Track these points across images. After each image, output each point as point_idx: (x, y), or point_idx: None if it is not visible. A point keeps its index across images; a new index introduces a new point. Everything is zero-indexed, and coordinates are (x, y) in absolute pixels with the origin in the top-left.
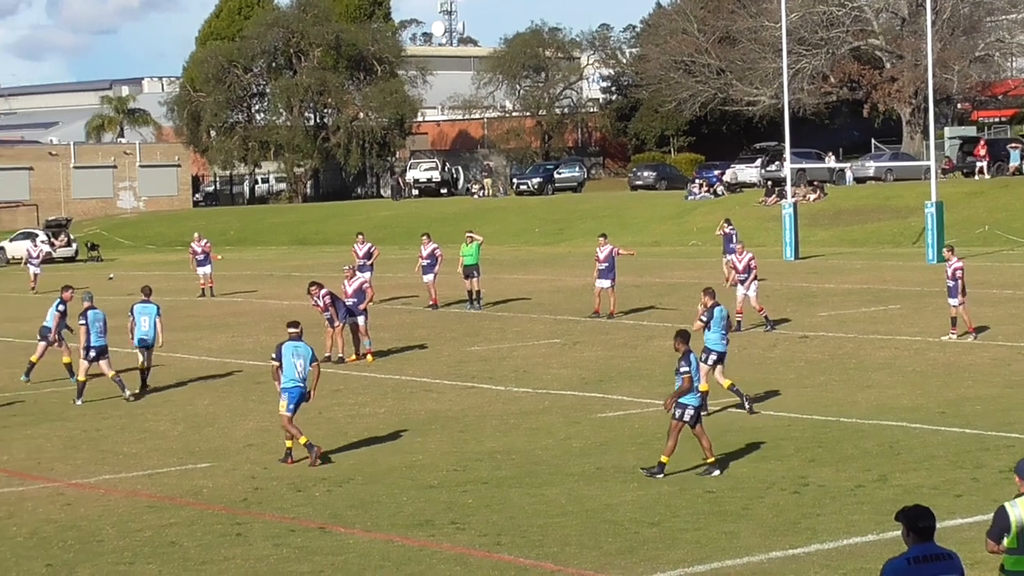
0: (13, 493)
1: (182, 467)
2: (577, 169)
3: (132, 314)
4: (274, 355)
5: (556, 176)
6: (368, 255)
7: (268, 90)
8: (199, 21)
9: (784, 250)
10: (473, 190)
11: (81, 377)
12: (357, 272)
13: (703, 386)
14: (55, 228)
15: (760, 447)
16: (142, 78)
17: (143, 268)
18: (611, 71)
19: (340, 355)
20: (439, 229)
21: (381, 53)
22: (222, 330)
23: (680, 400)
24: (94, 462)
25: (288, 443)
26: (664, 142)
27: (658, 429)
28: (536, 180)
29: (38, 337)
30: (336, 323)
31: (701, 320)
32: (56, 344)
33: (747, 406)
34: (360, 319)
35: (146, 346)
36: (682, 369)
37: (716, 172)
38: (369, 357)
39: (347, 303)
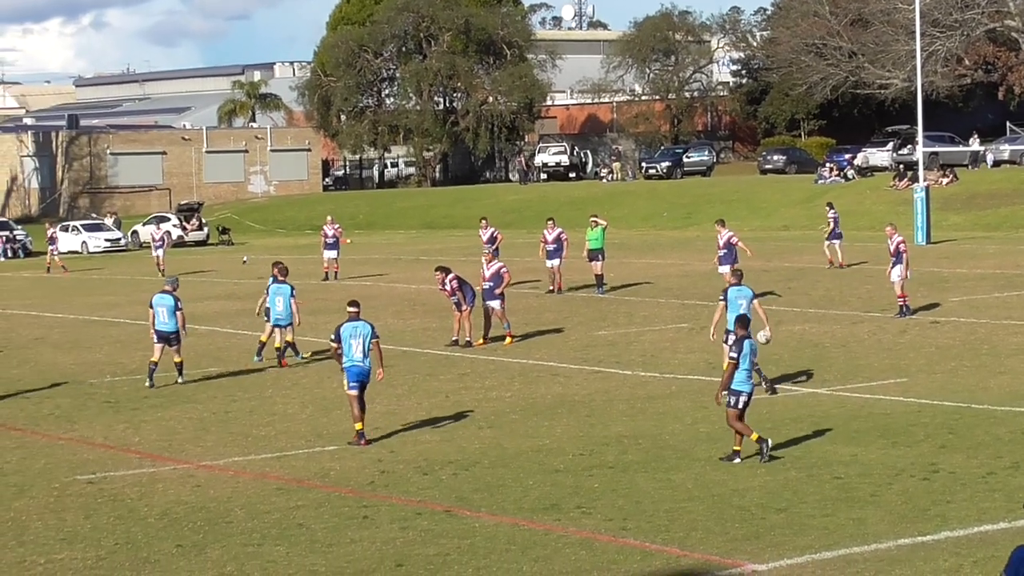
0: (145, 474)
1: (310, 449)
2: (706, 153)
3: (267, 292)
4: (333, 336)
5: (685, 160)
6: (492, 240)
7: (398, 74)
8: (330, 6)
9: (915, 234)
10: (602, 174)
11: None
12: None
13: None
14: (187, 212)
15: (889, 433)
16: (273, 63)
17: (274, 252)
18: (741, 54)
19: (468, 339)
20: (567, 213)
21: (510, 37)
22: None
23: (732, 387)
24: (224, 444)
25: (358, 425)
26: (794, 126)
27: (787, 414)
28: (665, 164)
29: (264, 318)
30: (464, 307)
31: (721, 299)
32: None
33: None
34: (496, 303)
35: (280, 326)
36: (731, 354)
37: (847, 156)
38: (508, 339)
39: (484, 286)
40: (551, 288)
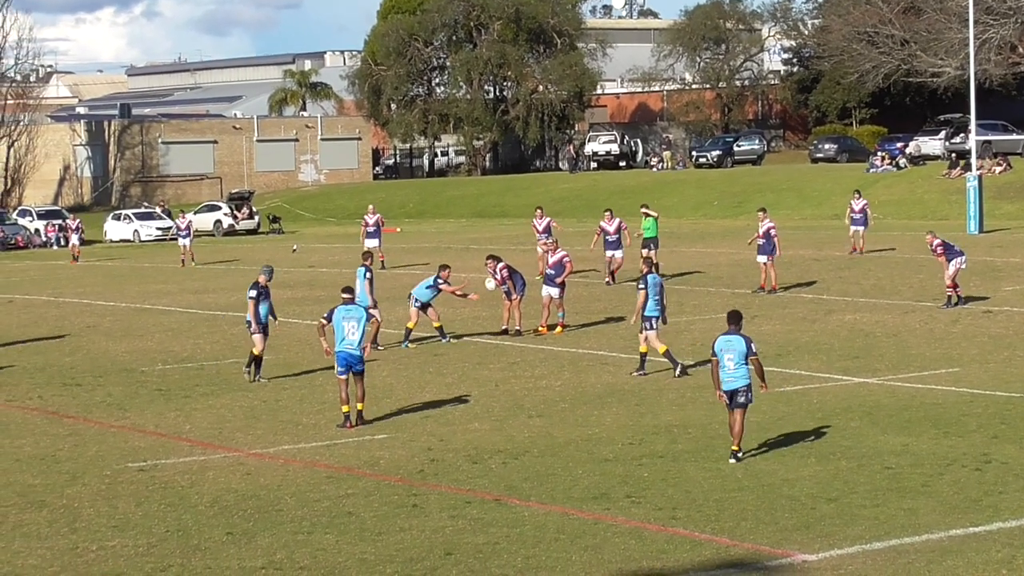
0: (196, 462)
1: (360, 438)
2: (757, 142)
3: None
4: (325, 316)
5: (736, 149)
6: (547, 230)
7: (448, 63)
8: None
9: (968, 223)
10: (652, 163)
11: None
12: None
13: (642, 347)
14: (238, 201)
15: (941, 423)
16: (324, 52)
17: (324, 240)
18: (792, 42)
19: (517, 328)
20: (617, 202)
21: (561, 26)
22: (400, 303)
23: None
24: (274, 432)
25: (344, 408)
26: (846, 114)
27: (837, 404)
28: (715, 153)
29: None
30: (513, 296)
31: (641, 287)
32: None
33: (677, 373)
34: (555, 291)
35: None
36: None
37: (899, 144)
38: (559, 328)
39: (547, 272)
40: (608, 280)
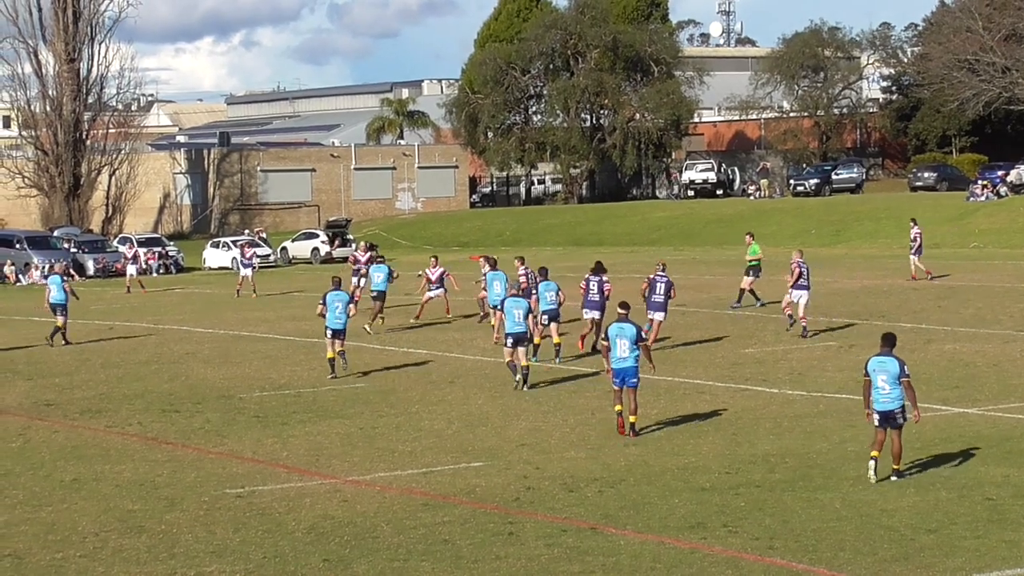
0: (292, 488)
1: (456, 466)
2: (855, 170)
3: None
4: (604, 336)
5: (834, 177)
6: (440, 280)
7: (545, 92)
8: (478, 24)
9: None
10: (749, 191)
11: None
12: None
13: (330, 353)
14: (335, 229)
15: None
16: (421, 80)
17: (420, 268)
18: (892, 70)
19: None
20: (715, 231)
21: (658, 54)
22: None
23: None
24: (371, 459)
25: (617, 407)
26: (946, 142)
27: (936, 434)
28: (813, 181)
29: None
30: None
31: (321, 304)
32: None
33: (335, 374)
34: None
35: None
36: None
37: (1000, 173)
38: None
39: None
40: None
